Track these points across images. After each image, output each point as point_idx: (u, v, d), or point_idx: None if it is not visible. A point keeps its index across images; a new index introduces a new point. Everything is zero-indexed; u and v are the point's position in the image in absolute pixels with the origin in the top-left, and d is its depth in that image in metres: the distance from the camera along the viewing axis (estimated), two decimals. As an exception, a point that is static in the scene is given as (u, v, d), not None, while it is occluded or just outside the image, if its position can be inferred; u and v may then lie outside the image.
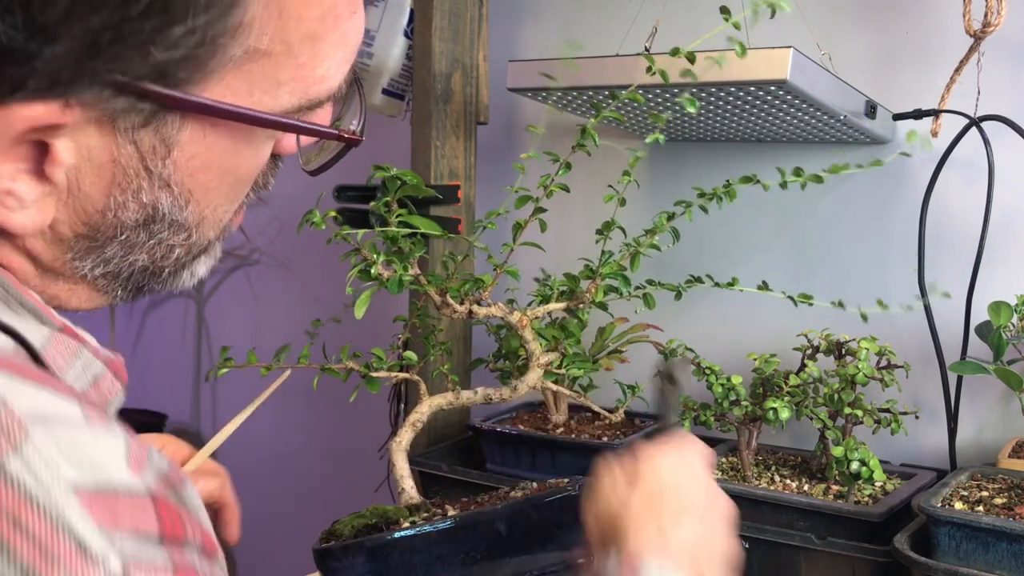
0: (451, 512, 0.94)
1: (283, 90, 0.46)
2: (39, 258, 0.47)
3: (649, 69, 0.95)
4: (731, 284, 1.10)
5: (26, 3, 0.38)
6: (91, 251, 0.47)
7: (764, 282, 1.10)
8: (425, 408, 0.98)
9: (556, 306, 1.03)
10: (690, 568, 0.65)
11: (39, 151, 0.43)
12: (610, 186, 1.03)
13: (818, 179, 0.99)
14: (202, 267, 0.54)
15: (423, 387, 1.02)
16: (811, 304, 1.07)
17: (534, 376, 0.99)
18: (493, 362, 1.30)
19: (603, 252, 1.03)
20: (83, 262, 0.48)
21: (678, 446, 0.73)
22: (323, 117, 0.51)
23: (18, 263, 0.47)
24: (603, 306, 1.05)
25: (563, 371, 1.08)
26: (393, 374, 1.02)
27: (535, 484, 0.97)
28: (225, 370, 1.00)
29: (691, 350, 1.20)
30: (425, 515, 0.94)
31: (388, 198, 0.93)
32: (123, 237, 0.47)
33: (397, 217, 0.94)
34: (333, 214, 0.98)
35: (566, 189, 1.00)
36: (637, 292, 1.06)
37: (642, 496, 0.67)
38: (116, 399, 0.51)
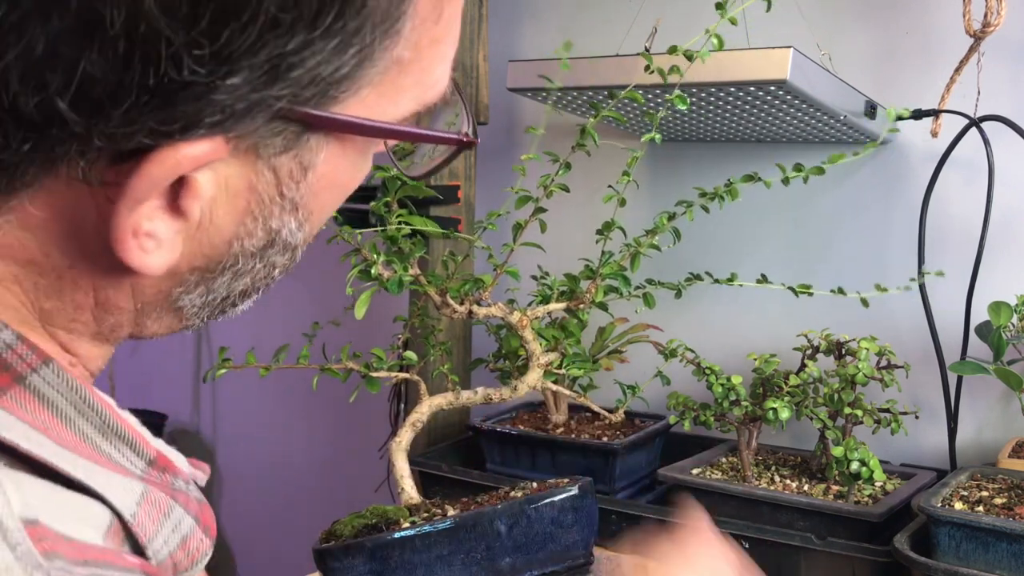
0: (451, 512, 0.94)
1: (404, 97, 0.44)
2: (143, 293, 0.44)
3: (647, 67, 0.95)
4: (730, 280, 1.10)
5: (215, 33, 0.34)
6: (201, 283, 0.44)
7: (763, 275, 1.10)
8: (425, 408, 0.98)
9: (556, 306, 1.03)
10: None
11: (175, 184, 0.39)
12: (610, 186, 1.03)
13: (820, 171, 0.99)
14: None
15: (423, 387, 1.01)
16: (811, 294, 1.07)
17: (534, 376, 0.99)
18: (493, 362, 1.30)
19: (603, 252, 1.03)
20: (190, 295, 0.45)
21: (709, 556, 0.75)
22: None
23: (119, 301, 0.43)
24: (603, 306, 1.05)
25: (563, 371, 1.08)
26: (393, 374, 1.02)
27: (535, 484, 0.97)
28: (223, 371, 1.00)
29: (691, 350, 1.20)
30: (425, 515, 0.94)
31: (388, 198, 0.93)
32: (238, 266, 0.44)
33: (397, 217, 0.93)
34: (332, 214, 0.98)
35: (566, 189, 1.00)
36: (637, 292, 1.06)
37: None
38: (203, 557, 0.47)
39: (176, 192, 0.39)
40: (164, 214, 0.39)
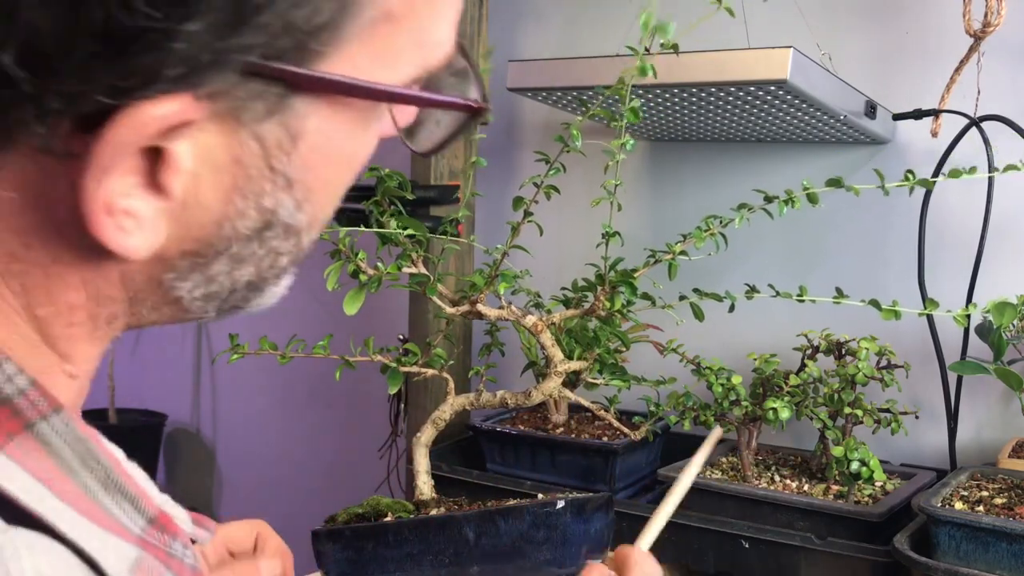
0: (435, 512, 0.94)
1: (402, 59, 0.40)
2: (132, 281, 0.41)
3: (626, 47, 0.94)
4: (749, 294, 1.08)
5: None
6: (195, 269, 0.41)
7: (802, 287, 1.09)
8: (448, 407, 0.98)
9: (572, 312, 1.02)
10: None
11: (151, 158, 0.36)
12: (603, 188, 1.03)
13: (842, 184, 0.97)
14: (287, 280, 0.47)
15: (451, 384, 1.00)
16: (845, 300, 1.05)
17: (551, 384, 0.98)
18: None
19: (604, 258, 1.02)
20: (184, 283, 0.41)
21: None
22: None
23: (110, 291, 0.40)
24: (622, 313, 1.04)
25: (602, 381, 1.06)
26: (424, 370, 1.00)
27: (541, 496, 0.97)
28: (237, 356, 0.97)
29: (698, 363, 1.19)
30: (414, 513, 0.94)
31: (377, 198, 0.93)
32: (234, 251, 0.41)
33: (387, 216, 0.93)
34: None
35: (556, 190, 1.00)
36: (667, 302, 1.04)
37: None
38: None
39: (154, 167, 0.36)
40: (143, 191, 0.37)
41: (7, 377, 0.37)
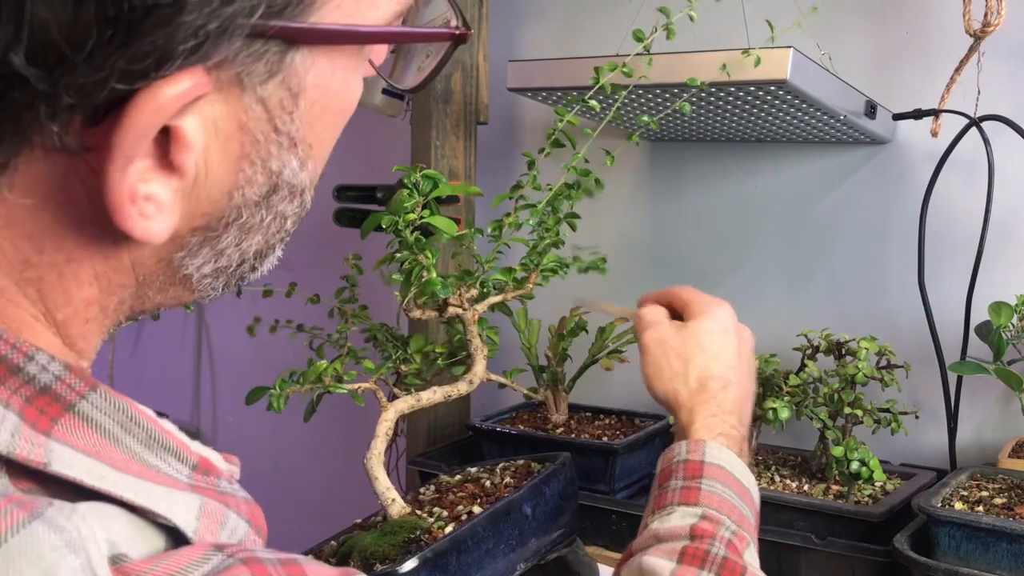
0: (441, 513, 0.93)
1: None
2: (143, 265, 0.40)
3: (615, 66, 0.95)
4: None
5: None
6: (205, 244, 0.40)
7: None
8: (391, 415, 0.96)
9: (495, 299, 1.01)
10: (737, 428, 0.83)
11: (161, 138, 0.35)
12: (571, 184, 1.03)
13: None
14: (279, 250, 0.47)
15: (379, 394, 1.00)
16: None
17: (481, 367, 0.99)
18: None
19: (531, 244, 1.03)
20: (194, 260, 0.41)
21: (715, 317, 0.89)
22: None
23: (119, 279, 0.40)
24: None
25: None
26: (356, 385, 0.99)
27: (519, 461, 1.00)
28: (256, 399, 0.99)
29: None
30: (442, 520, 0.92)
31: (415, 199, 0.90)
32: (242, 220, 0.40)
33: (421, 219, 0.91)
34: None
35: (538, 188, 1.00)
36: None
37: (695, 373, 0.84)
38: None
39: (165, 148, 0.36)
40: (158, 173, 0.36)
41: (41, 367, 0.37)
